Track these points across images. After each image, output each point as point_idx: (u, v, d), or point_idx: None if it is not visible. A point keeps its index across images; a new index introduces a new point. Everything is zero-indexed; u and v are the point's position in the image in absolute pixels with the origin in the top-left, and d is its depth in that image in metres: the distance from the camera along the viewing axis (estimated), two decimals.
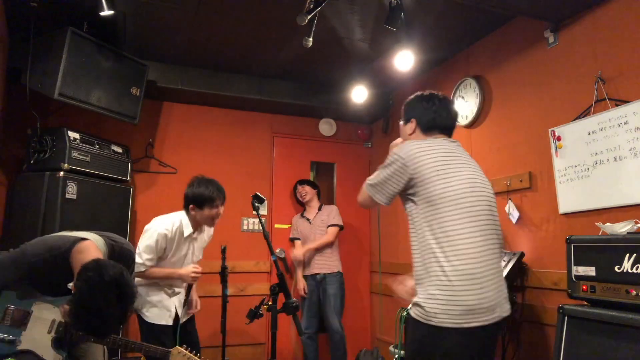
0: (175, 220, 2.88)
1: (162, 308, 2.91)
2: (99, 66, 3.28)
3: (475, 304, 1.74)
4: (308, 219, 4.36)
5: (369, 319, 4.79)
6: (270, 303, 2.43)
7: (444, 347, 1.77)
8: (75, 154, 3.25)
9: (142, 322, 2.88)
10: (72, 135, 3.28)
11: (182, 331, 2.96)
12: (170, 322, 2.91)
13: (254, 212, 2.84)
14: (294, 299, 2.46)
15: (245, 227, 4.44)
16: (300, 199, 4.49)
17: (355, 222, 4.82)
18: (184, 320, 3.03)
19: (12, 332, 1.98)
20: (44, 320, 2.04)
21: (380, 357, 4.45)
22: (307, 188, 4.44)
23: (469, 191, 1.85)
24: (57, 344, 2.08)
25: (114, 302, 1.76)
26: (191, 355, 2.50)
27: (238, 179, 4.43)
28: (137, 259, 2.76)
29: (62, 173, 3.11)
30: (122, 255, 2.13)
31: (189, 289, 3.04)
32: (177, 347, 2.51)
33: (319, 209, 4.40)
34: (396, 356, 3.09)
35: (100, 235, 2.11)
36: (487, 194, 1.92)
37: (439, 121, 2.05)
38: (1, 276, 2.00)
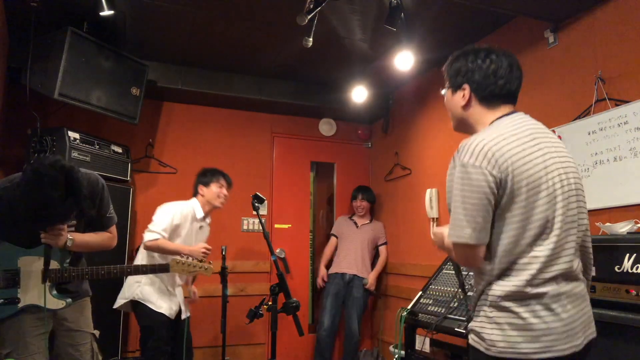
0: (188, 203, 3.16)
1: (170, 302, 3.05)
2: (99, 66, 3.28)
3: (544, 329, 1.35)
4: (356, 223, 4.46)
5: (370, 320, 4.78)
6: (270, 303, 2.43)
7: None
8: (75, 154, 3.25)
9: (148, 313, 2.96)
10: (72, 135, 3.28)
11: (177, 328, 3.12)
12: (172, 317, 3.04)
13: (254, 212, 2.87)
14: (294, 298, 2.46)
15: (245, 227, 4.44)
16: (354, 209, 4.54)
17: None
18: (185, 316, 3.16)
19: (8, 293, 1.98)
20: (34, 272, 2.03)
21: (381, 357, 4.46)
22: (365, 204, 4.47)
23: (547, 189, 1.38)
24: (56, 290, 2.09)
25: (60, 186, 1.80)
26: (190, 260, 2.54)
27: (238, 179, 4.41)
28: (152, 228, 2.96)
29: None
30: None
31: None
32: (176, 257, 2.54)
33: (370, 221, 4.51)
34: (396, 356, 3.09)
35: None
36: (566, 189, 1.42)
37: (500, 84, 1.51)
38: None
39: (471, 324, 1.47)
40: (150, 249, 2.96)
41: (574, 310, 1.39)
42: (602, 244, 2.09)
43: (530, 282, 1.35)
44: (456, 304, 2.80)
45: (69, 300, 2.11)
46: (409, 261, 4.14)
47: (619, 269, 1.99)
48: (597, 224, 2.30)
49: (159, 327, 2.98)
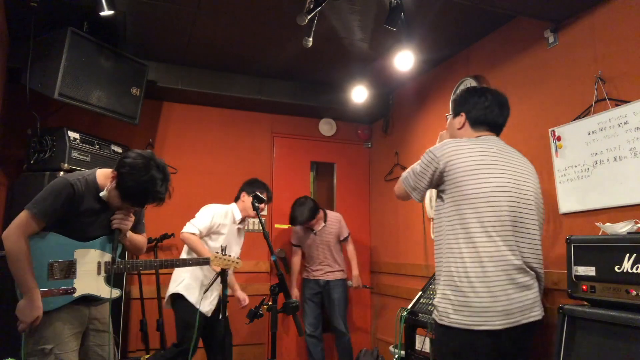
0: (228, 206, 3.42)
1: (208, 300, 3.24)
2: (99, 66, 3.28)
3: (484, 307, 1.77)
4: (313, 230, 4.22)
5: (369, 319, 4.79)
6: (270, 303, 2.43)
7: (452, 347, 1.84)
8: (75, 154, 3.25)
9: (187, 307, 3.12)
10: (72, 135, 3.28)
11: (217, 326, 3.25)
12: (209, 315, 3.23)
13: (254, 212, 2.86)
14: (294, 299, 2.46)
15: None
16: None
17: (355, 222, 4.81)
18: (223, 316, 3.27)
19: (65, 283, 2.09)
20: (89, 264, 2.16)
21: (380, 357, 4.46)
22: (312, 222, 4.15)
23: (494, 193, 1.86)
24: (110, 282, 2.22)
25: (154, 169, 2.06)
26: (228, 257, 2.68)
27: (238, 179, 4.40)
28: (193, 222, 3.22)
29: (62, 173, 3.11)
30: None
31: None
32: (215, 252, 2.69)
33: (325, 220, 4.24)
34: (396, 356, 3.09)
35: None
36: (514, 196, 1.89)
37: (489, 117, 2.04)
38: (47, 202, 2.05)
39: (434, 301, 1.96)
40: (183, 238, 3.17)
41: (515, 296, 1.81)
42: (602, 244, 2.09)
43: (477, 268, 1.80)
44: None
45: (122, 291, 2.32)
46: (409, 261, 4.14)
47: (619, 269, 1.99)
48: (597, 224, 2.30)
49: (195, 322, 3.04)
